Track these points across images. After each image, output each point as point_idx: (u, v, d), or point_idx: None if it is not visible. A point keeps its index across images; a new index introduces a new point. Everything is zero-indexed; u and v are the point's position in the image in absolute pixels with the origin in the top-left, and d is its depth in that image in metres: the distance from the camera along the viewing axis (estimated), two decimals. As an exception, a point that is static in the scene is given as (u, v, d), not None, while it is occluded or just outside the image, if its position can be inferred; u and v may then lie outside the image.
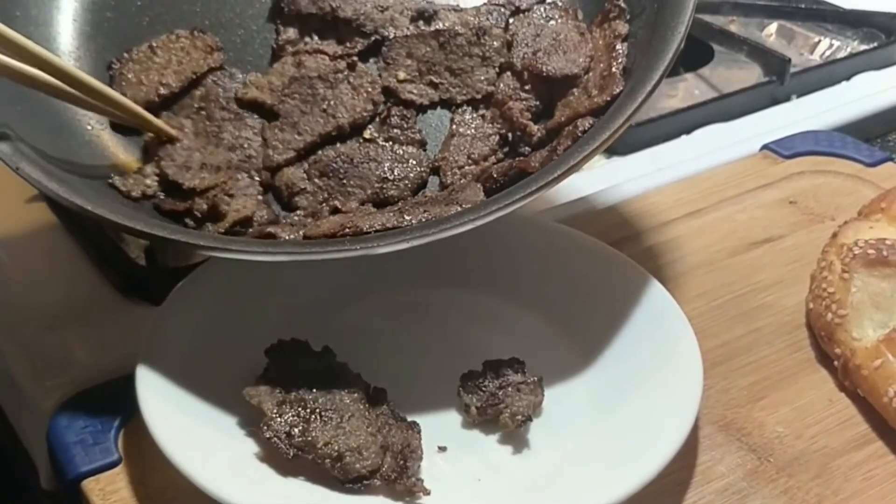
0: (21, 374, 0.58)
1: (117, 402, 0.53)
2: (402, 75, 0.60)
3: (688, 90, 0.88)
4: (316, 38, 0.62)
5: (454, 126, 0.59)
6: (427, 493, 0.47)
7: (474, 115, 0.59)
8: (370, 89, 0.60)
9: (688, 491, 0.50)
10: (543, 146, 0.56)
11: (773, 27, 0.98)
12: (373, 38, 0.61)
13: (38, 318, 0.61)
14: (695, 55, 0.91)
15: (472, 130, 0.59)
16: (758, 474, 0.51)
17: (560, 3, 0.62)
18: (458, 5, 0.63)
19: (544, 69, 0.58)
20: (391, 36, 0.61)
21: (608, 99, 0.54)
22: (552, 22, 0.61)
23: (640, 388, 0.52)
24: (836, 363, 0.56)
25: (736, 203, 0.71)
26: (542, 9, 0.62)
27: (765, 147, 0.77)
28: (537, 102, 0.59)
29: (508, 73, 0.60)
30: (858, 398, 0.55)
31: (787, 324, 0.60)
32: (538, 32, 0.60)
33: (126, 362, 0.51)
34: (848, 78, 0.89)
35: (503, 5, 0.62)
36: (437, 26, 0.61)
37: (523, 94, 0.59)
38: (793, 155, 0.75)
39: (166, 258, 0.63)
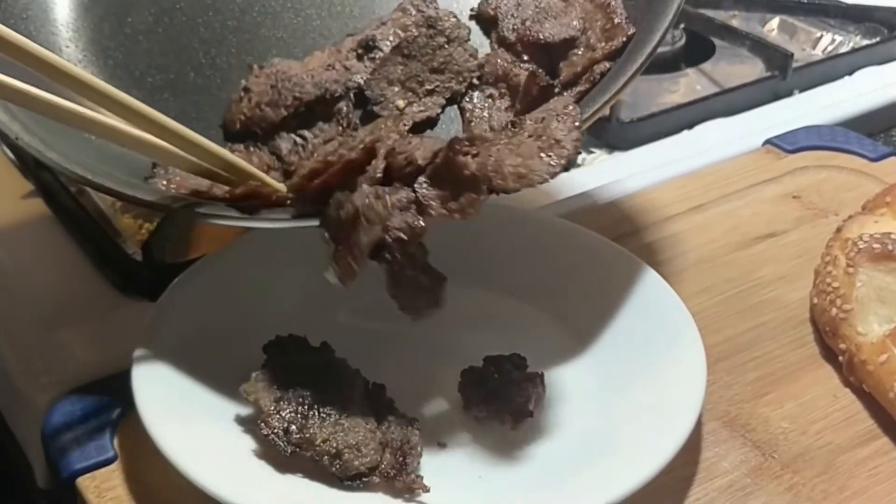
0: (16, 371, 0.57)
1: (113, 399, 0.53)
2: (401, 103, 0.58)
3: (689, 85, 0.87)
4: (307, 132, 0.58)
5: (467, 115, 0.58)
6: (427, 490, 0.46)
7: (482, 97, 0.58)
8: (393, 126, 0.55)
9: (692, 487, 0.49)
10: None
11: (774, 22, 0.97)
12: (351, 94, 0.58)
13: (34, 314, 0.61)
14: (696, 50, 0.91)
15: (487, 112, 0.58)
16: (762, 470, 0.50)
17: None
18: (380, 19, 0.60)
19: (540, 36, 0.57)
20: (361, 81, 0.58)
21: (624, 40, 0.54)
22: None
23: (642, 384, 0.52)
24: (840, 358, 0.55)
25: (738, 198, 0.70)
26: None
27: (767, 142, 0.76)
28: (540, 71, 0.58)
29: (502, 49, 0.59)
30: (863, 394, 0.54)
31: (790, 319, 0.60)
32: (519, 2, 0.59)
33: (122, 359, 0.51)
34: (850, 73, 0.88)
35: None
36: (384, 47, 0.59)
37: (523, 66, 0.58)
38: (796, 150, 0.75)
39: (163, 254, 0.62)
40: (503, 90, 0.58)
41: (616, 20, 0.56)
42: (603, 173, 0.74)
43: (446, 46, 0.58)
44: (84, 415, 0.53)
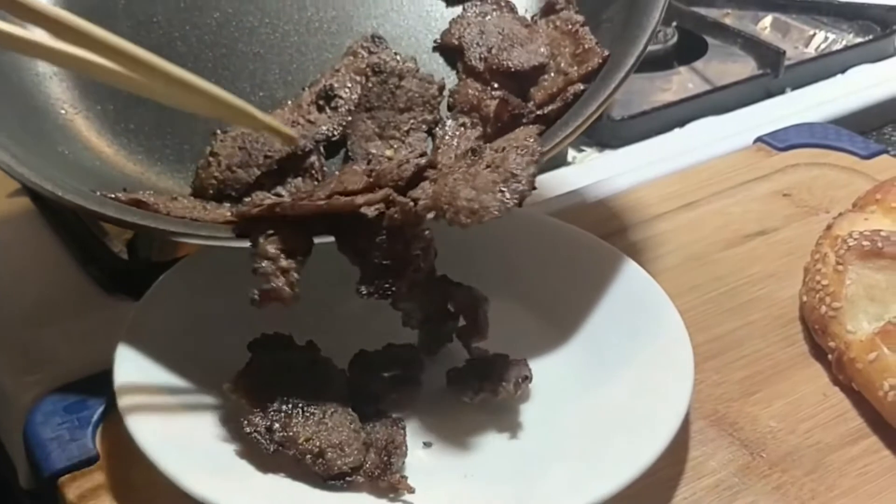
0: (0, 370, 0.57)
1: (96, 398, 0.52)
2: (389, 153, 0.57)
3: (681, 83, 0.87)
4: (281, 190, 0.56)
5: (436, 141, 0.58)
6: (411, 490, 0.46)
7: (454, 126, 0.58)
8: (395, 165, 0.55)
9: (679, 487, 0.49)
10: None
11: (767, 20, 0.97)
12: (321, 146, 0.57)
13: (18, 312, 0.60)
14: (689, 48, 0.91)
15: (456, 141, 0.58)
16: (750, 470, 0.50)
17: None
18: (334, 68, 0.60)
19: (510, 64, 0.57)
20: (333, 134, 0.58)
21: (600, 61, 0.55)
22: (489, 17, 0.60)
23: (629, 383, 0.51)
24: (830, 357, 0.55)
25: (729, 196, 0.70)
26: (472, 8, 0.61)
27: (759, 139, 0.76)
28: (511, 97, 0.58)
29: (471, 79, 0.58)
30: (853, 392, 0.54)
31: (780, 317, 0.59)
32: (481, 30, 0.59)
33: (106, 357, 0.50)
34: (843, 71, 0.88)
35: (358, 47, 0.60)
36: (344, 94, 0.58)
37: (494, 93, 0.57)
38: (787, 147, 0.75)
39: (149, 252, 0.62)
40: (476, 119, 0.58)
41: (586, 45, 0.56)
42: (594, 171, 0.74)
43: (402, 84, 0.58)
44: (66, 414, 0.52)
